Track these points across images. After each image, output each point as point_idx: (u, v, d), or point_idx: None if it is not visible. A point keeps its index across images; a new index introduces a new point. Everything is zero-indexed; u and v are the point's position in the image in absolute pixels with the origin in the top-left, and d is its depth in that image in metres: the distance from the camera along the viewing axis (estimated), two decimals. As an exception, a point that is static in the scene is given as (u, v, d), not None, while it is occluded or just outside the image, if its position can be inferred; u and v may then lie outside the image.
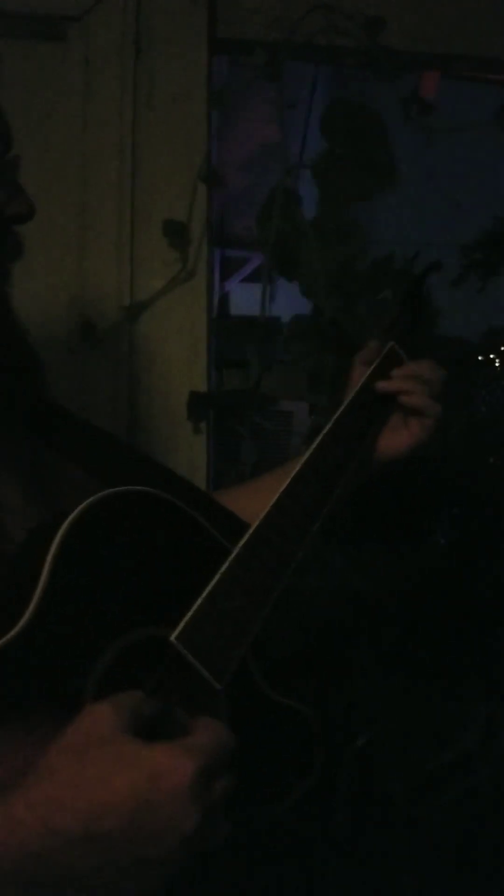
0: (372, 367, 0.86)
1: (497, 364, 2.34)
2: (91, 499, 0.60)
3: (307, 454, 0.77)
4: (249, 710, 0.67)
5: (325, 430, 0.79)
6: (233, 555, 0.66)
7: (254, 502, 0.74)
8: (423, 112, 1.58)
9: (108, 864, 0.50)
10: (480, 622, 1.69)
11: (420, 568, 1.77)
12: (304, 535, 0.71)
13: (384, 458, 0.88)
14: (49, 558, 0.57)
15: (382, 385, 0.85)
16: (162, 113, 1.39)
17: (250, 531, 0.68)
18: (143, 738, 0.53)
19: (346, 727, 1.53)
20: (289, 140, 1.79)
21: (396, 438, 0.88)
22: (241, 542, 0.67)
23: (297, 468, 0.75)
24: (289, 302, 1.74)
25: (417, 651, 1.60)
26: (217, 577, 0.65)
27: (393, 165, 1.49)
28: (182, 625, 0.62)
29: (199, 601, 0.63)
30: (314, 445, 0.78)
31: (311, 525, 0.73)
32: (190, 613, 0.62)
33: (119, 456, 0.76)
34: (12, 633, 0.55)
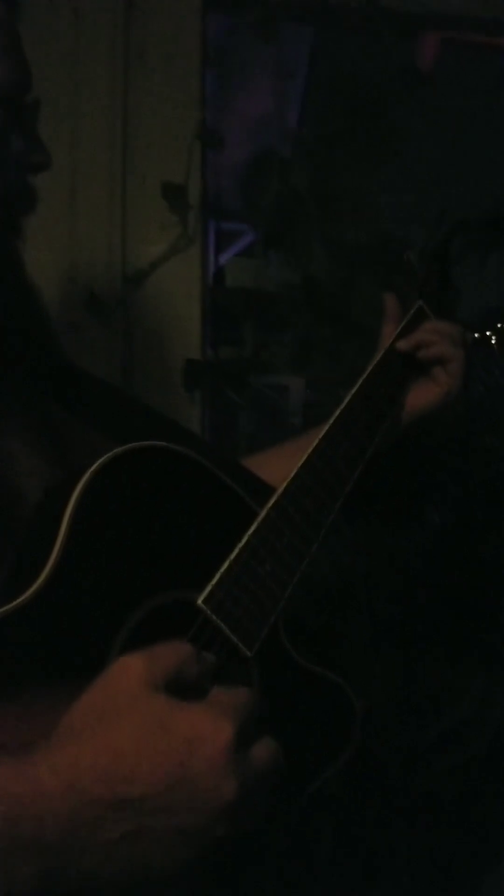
0: (400, 326, 0.83)
1: (493, 343, 2.31)
2: (109, 454, 0.56)
3: (335, 415, 0.73)
4: (281, 680, 0.64)
5: (353, 390, 0.76)
6: (261, 516, 0.63)
7: (279, 468, 0.70)
8: (420, 82, 1.53)
9: (141, 832, 0.45)
10: (476, 595, 1.68)
11: (415, 545, 1.76)
12: (336, 497, 0.68)
13: (415, 414, 0.86)
14: (66, 516, 0.52)
15: (402, 344, 0.83)
16: (155, 71, 1.33)
17: (279, 492, 0.65)
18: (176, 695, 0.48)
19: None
20: (286, 108, 1.73)
21: (425, 392, 0.86)
22: (270, 503, 0.64)
23: (326, 428, 0.72)
24: (285, 275, 1.69)
25: (413, 623, 1.59)
26: (245, 538, 0.61)
27: (393, 140, 1.45)
28: (210, 587, 0.58)
29: (228, 563, 0.59)
30: (343, 405, 0.74)
31: (343, 486, 0.69)
32: (218, 576, 0.59)
33: (137, 415, 0.72)
34: (27, 594, 0.51)
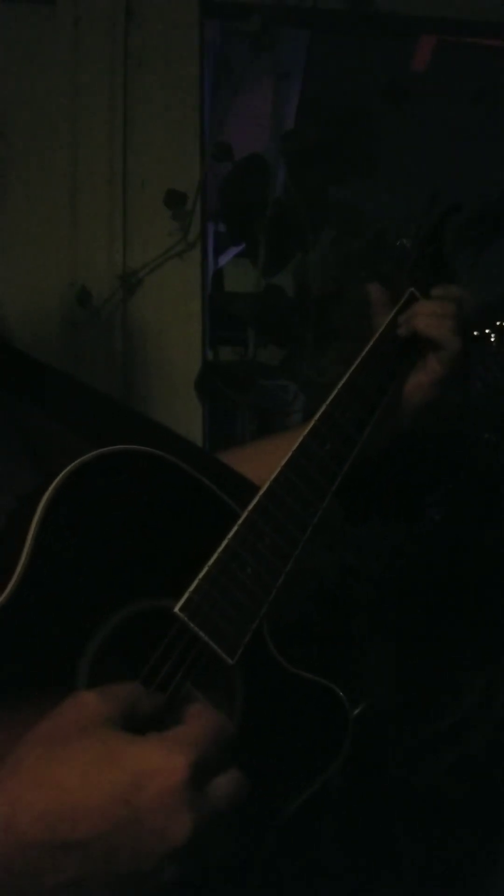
0: (392, 313, 0.77)
1: (492, 339, 2.27)
2: (81, 459, 0.52)
3: (321, 409, 0.68)
4: (268, 687, 0.59)
5: (341, 382, 0.71)
6: (242, 518, 0.59)
7: (260, 464, 0.65)
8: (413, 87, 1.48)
9: (85, 878, 0.40)
10: (476, 591, 1.64)
11: (414, 542, 1.72)
12: (323, 494, 0.63)
13: (410, 405, 0.79)
14: (34, 524, 0.48)
15: (400, 329, 0.77)
16: (154, 77, 1.30)
17: (261, 492, 0.61)
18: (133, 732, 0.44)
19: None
20: (282, 113, 1.69)
21: (416, 380, 0.79)
22: (252, 504, 0.60)
23: (311, 423, 0.66)
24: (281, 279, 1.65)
25: (412, 620, 1.55)
26: (225, 541, 0.57)
27: (376, 156, 1.40)
28: (187, 594, 0.54)
29: (206, 568, 0.55)
30: (330, 398, 0.69)
31: (330, 483, 0.64)
32: (196, 582, 0.55)
33: (114, 416, 0.67)
34: None
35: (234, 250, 1.96)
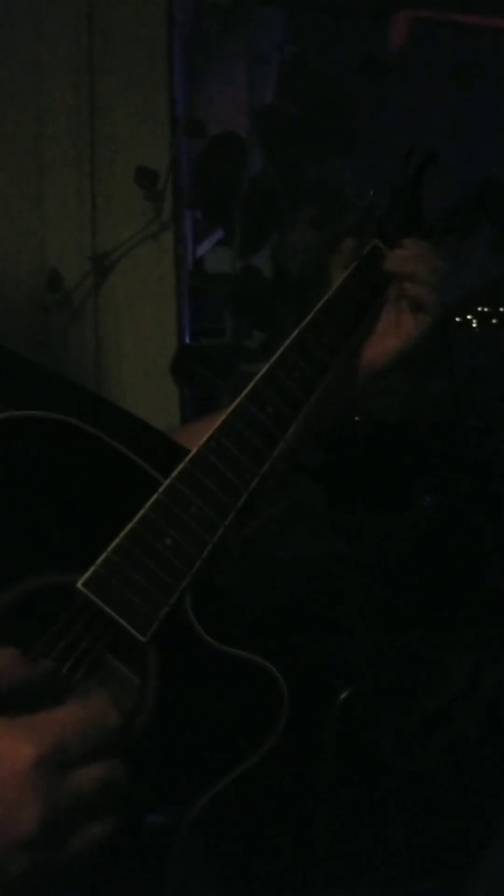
0: (351, 268, 0.70)
1: (475, 325, 2.25)
2: None
3: (263, 369, 0.62)
4: (188, 665, 0.54)
5: (287, 341, 0.65)
6: (163, 487, 0.54)
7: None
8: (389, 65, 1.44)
9: None
10: (464, 575, 1.61)
11: (403, 529, 1.70)
12: (262, 459, 0.57)
13: (372, 370, 0.73)
14: None
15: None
16: (121, 52, 1.24)
17: (186, 459, 0.55)
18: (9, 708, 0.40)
19: (329, 681, 1.43)
20: (259, 93, 1.64)
21: (385, 344, 0.72)
22: (175, 472, 0.55)
23: (251, 385, 0.61)
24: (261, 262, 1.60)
25: (400, 604, 1.52)
26: (142, 511, 0.52)
27: (354, 130, 1.35)
28: (93, 568, 0.49)
29: (117, 540, 0.51)
30: (273, 358, 0.63)
31: (270, 448, 0.58)
32: (104, 554, 0.50)
33: (26, 380, 0.61)
34: None
35: (214, 237, 1.90)
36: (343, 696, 1.24)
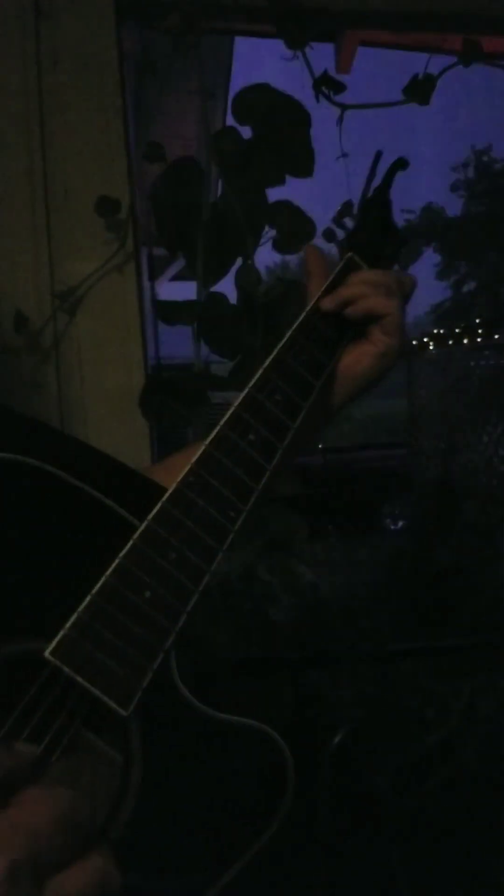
0: (327, 282, 0.66)
1: (431, 348, 2.25)
2: None
3: (242, 394, 0.57)
4: (177, 737, 0.47)
5: (266, 363, 0.59)
6: (139, 531, 0.47)
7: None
8: (335, 89, 1.42)
9: None
10: (449, 603, 1.56)
11: (375, 554, 1.66)
12: (248, 492, 0.52)
13: (351, 383, 0.68)
14: None
15: (326, 302, 0.65)
16: (70, 79, 1.20)
17: (163, 499, 0.49)
18: None
19: (322, 726, 1.36)
20: (210, 118, 1.61)
21: (358, 354, 0.67)
22: (151, 514, 0.48)
23: (230, 410, 0.55)
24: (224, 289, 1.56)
25: (391, 638, 1.46)
26: (116, 562, 0.45)
27: (311, 153, 1.32)
28: (62, 632, 0.42)
29: (89, 597, 0.44)
30: (252, 381, 0.58)
31: (256, 480, 0.52)
32: (74, 616, 0.43)
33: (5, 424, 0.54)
34: None
35: (175, 266, 1.85)
36: (338, 739, 1.17)
